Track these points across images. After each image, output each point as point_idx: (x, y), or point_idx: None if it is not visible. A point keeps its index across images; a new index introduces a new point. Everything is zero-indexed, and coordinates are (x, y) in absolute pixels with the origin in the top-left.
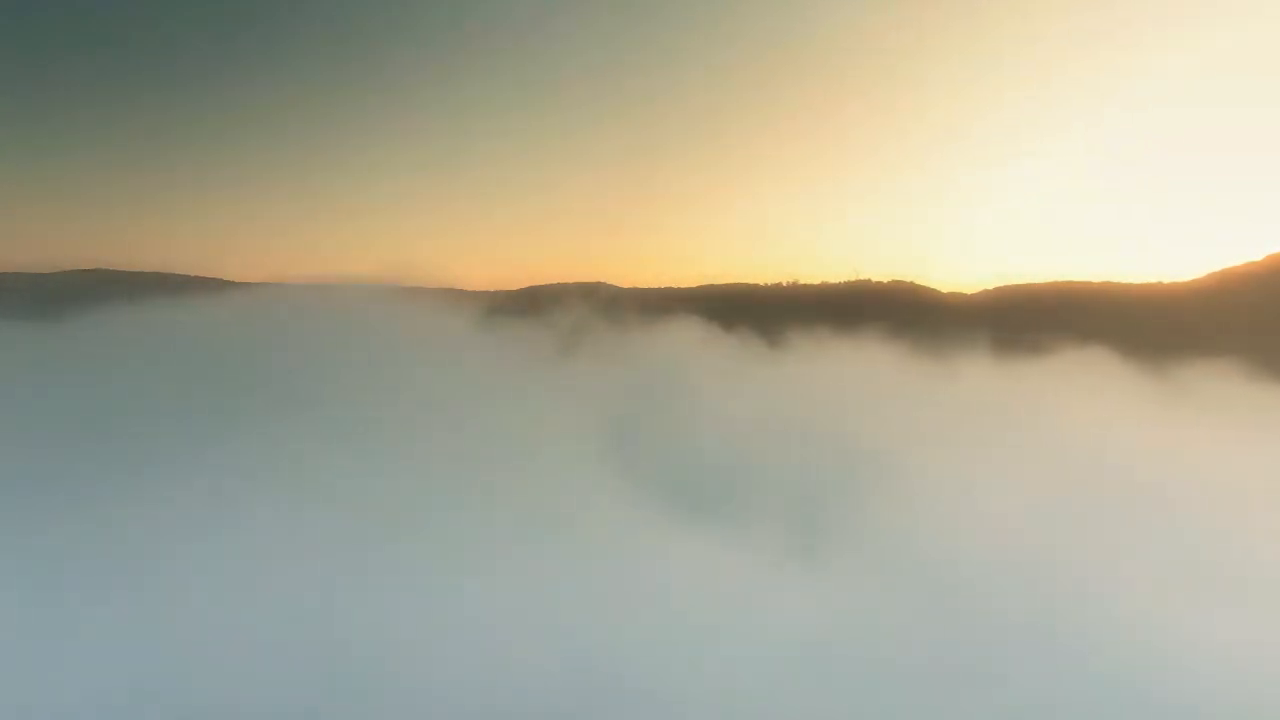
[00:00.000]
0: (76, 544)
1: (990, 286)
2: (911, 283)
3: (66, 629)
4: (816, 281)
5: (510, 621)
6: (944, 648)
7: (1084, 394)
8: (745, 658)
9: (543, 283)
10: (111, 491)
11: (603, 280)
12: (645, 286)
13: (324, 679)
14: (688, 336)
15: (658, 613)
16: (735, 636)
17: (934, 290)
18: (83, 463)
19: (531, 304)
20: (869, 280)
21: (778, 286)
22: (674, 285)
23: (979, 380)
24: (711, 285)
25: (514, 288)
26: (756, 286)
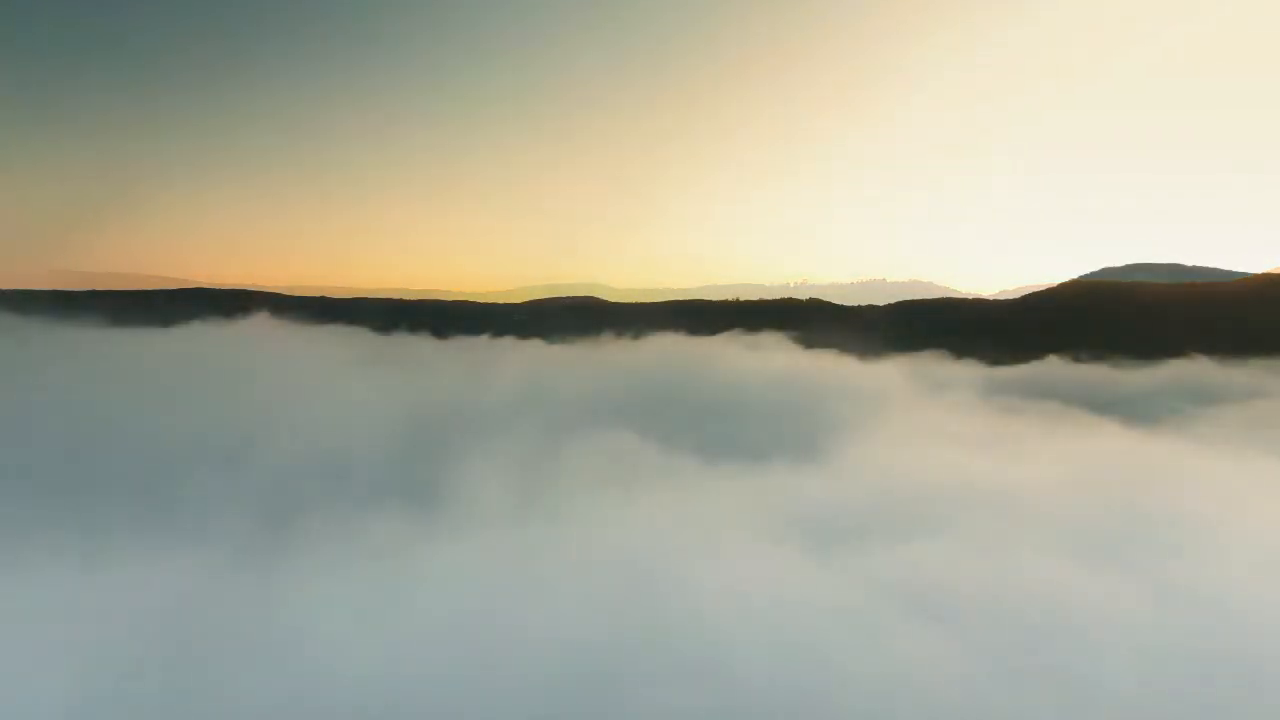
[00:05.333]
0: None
1: (1011, 288)
2: (930, 283)
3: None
4: (826, 282)
5: None
6: None
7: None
8: None
9: (535, 283)
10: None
11: (597, 281)
12: (643, 287)
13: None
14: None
15: None
16: None
17: (954, 291)
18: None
19: (523, 308)
20: (884, 280)
21: (784, 286)
22: (674, 287)
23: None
24: (714, 285)
25: (505, 288)
26: (761, 286)
